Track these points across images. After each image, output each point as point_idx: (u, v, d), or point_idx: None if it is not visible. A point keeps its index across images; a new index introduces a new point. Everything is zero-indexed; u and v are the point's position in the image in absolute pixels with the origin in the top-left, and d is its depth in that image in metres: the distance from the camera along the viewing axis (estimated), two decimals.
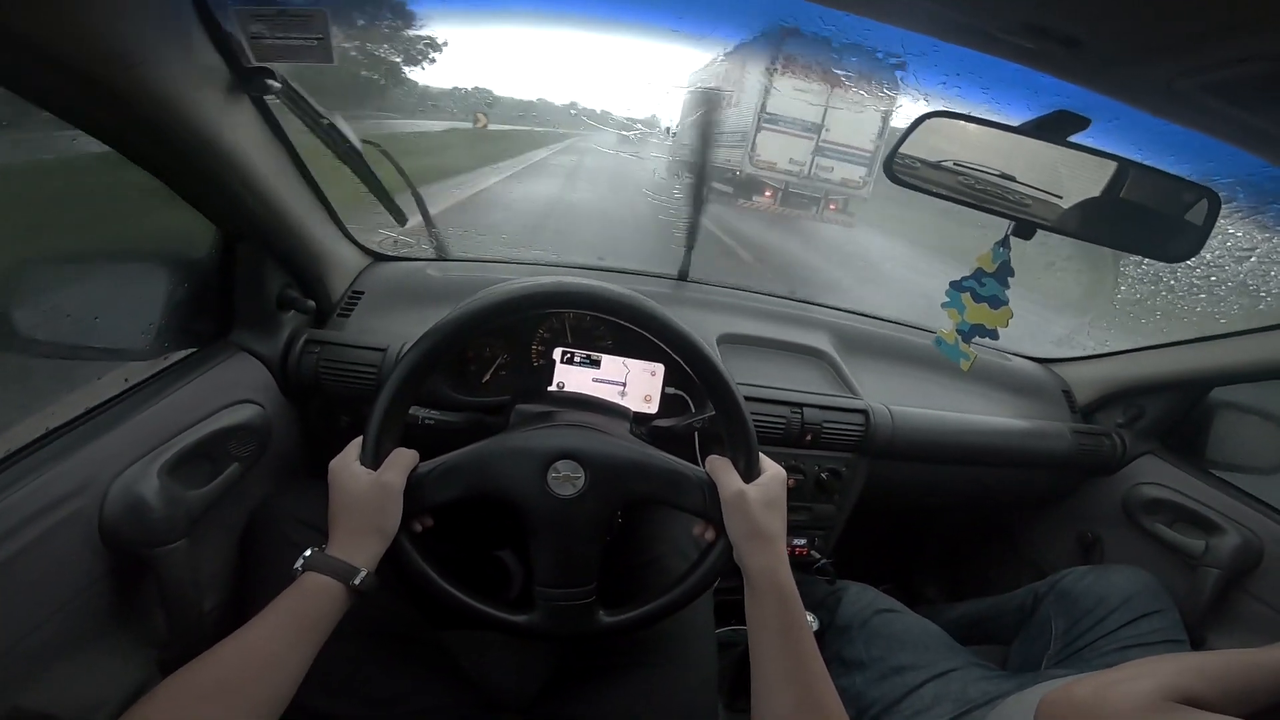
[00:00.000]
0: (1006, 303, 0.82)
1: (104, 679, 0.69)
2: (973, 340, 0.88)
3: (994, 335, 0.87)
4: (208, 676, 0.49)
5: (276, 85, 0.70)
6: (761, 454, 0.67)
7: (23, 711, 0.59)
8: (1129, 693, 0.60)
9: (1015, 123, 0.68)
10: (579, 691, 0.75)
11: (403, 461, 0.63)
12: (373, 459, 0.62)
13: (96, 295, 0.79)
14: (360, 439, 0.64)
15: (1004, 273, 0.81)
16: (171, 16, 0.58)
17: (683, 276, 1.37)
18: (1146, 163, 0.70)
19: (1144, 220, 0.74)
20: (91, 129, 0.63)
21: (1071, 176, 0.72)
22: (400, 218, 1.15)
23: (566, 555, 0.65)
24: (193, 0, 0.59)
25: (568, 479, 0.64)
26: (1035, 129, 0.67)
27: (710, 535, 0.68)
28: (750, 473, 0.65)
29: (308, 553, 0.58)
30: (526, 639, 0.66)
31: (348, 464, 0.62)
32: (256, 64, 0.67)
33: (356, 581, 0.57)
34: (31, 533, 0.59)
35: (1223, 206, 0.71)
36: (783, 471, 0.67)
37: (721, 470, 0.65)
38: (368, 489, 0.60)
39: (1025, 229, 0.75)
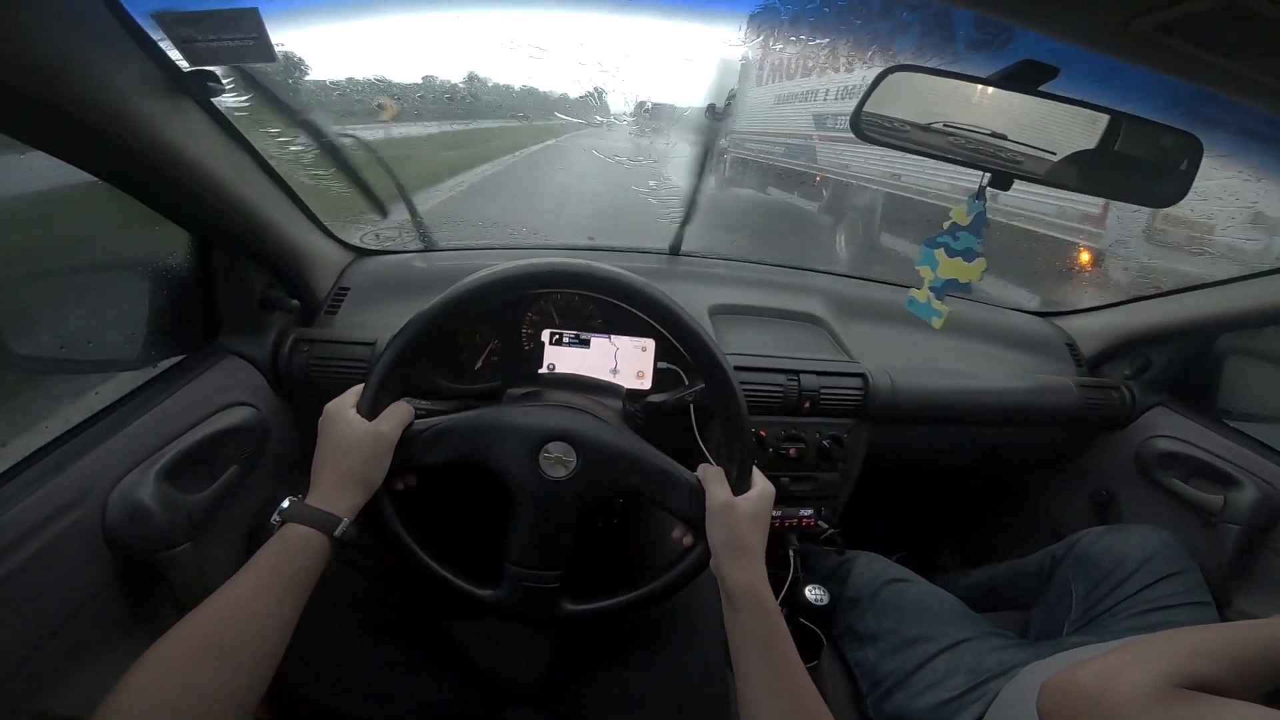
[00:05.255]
0: (981, 254, 0.80)
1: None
2: (945, 296, 0.86)
3: (967, 289, 0.84)
4: (193, 638, 0.47)
5: (220, 87, 0.68)
6: (755, 469, 0.66)
7: (50, 717, 0.60)
8: (1136, 679, 0.56)
9: (982, 75, 0.65)
10: (588, 676, 0.75)
11: (399, 415, 0.62)
12: (370, 409, 0.61)
13: (81, 309, 0.79)
14: (359, 386, 0.63)
15: (978, 224, 0.78)
16: (87, 24, 0.55)
17: (674, 251, 1.35)
18: (1123, 110, 0.68)
19: (1130, 167, 0.72)
20: (43, 145, 0.62)
21: (1049, 126, 0.70)
22: (382, 210, 1.14)
23: (542, 537, 0.64)
24: (109, 7, 0.57)
25: (560, 461, 0.63)
26: (1004, 80, 0.64)
27: (689, 541, 0.67)
28: (741, 485, 0.65)
29: (285, 503, 0.57)
30: (486, 615, 0.66)
31: (343, 410, 0.61)
32: (193, 67, 0.65)
33: (338, 532, 0.55)
34: (35, 544, 0.60)
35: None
36: (772, 487, 0.66)
37: (712, 479, 0.65)
38: (362, 437, 0.59)
39: (1002, 180, 0.73)
